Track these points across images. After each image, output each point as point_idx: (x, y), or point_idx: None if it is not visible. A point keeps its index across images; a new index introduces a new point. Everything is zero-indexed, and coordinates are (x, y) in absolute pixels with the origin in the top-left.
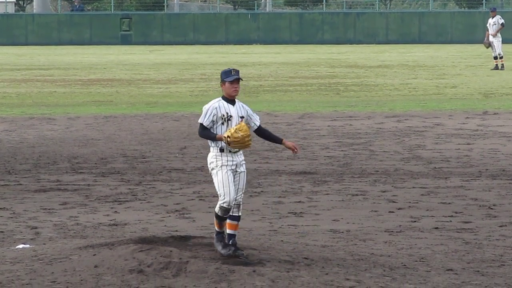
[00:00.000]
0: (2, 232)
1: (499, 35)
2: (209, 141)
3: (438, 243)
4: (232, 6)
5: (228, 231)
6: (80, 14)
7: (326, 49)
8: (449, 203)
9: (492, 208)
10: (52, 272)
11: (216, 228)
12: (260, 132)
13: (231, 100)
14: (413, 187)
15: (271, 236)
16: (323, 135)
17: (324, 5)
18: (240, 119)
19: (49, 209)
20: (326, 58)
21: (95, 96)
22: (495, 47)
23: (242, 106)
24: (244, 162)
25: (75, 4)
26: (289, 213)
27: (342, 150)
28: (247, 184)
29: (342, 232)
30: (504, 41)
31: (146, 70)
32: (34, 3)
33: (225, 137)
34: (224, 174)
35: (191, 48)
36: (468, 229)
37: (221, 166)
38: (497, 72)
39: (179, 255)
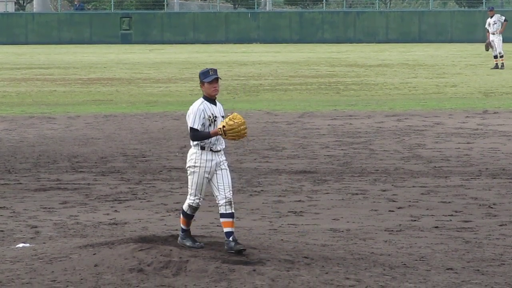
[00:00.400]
0: (2, 231)
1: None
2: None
3: (438, 242)
4: (232, 5)
5: (225, 229)
6: (80, 13)
7: (326, 48)
8: (449, 202)
9: (492, 207)
10: (52, 271)
11: (183, 226)
12: None
13: (212, 100)
14: (413, 186)
15: (271, 235)
16: (323, 134)
17: (324, 4)
18: (222, 119)
19: (49, 208)
20: (326, 57)
21: (95, 95)
22: (496, 46)
23: (221, 106)
24: (226, 161)
25: (76, 3)
26: (289, 212)
27: (342, 149)
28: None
29: (342, 231)
30: (504, 40)
31: (146, 69)
32: (34, 2)
33: (220, 128)
34: (199, 177)
35: (191, 47)
36: (468, 228)
37: (199, 168)
38: (497, 71)
39: (179, 254)
